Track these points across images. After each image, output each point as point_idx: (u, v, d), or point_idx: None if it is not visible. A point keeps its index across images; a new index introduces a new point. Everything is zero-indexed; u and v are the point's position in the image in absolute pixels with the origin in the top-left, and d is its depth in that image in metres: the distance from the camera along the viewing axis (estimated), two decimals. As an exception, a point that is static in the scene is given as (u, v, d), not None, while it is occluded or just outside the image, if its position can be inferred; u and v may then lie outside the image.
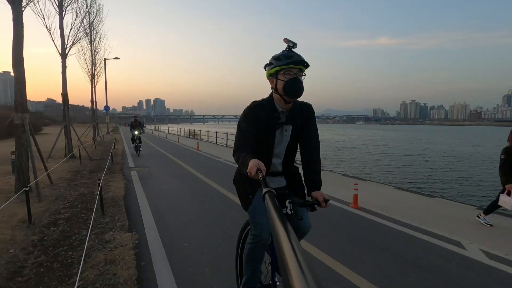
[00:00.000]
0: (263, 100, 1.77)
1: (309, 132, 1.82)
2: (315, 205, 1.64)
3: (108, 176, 7.46)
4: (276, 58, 1.65)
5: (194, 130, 29.91)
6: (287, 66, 1.60)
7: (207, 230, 3.90)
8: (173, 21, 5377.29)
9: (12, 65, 5.32)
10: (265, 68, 1.74)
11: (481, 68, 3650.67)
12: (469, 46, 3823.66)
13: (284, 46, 1.69)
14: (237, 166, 1.75)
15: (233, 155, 1.67)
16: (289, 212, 1.66)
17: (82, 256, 2.83)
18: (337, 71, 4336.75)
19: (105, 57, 23.29)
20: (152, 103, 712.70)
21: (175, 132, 31.99)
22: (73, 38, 11.10)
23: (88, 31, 16.04)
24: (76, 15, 11.38)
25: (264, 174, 1.28)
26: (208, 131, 22.87)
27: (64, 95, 10.45)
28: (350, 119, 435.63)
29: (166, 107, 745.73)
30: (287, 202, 1.68)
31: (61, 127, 10.68)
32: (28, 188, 4.07)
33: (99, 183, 4.51)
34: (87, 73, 18.80)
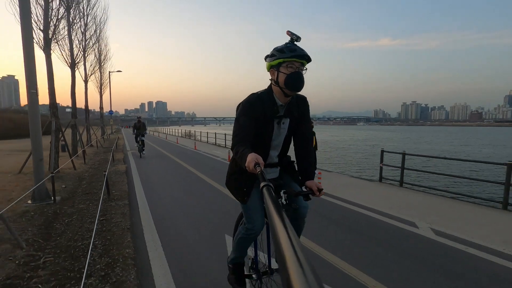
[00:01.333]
0: (262, 92, 1.76)
1: (304, 124, 1.86)
2: (309, 195, 1.69)
3: (114, 153, 13.53)
4: (279, 50, 1.63)
5: (185, 130, 34.69)
6: (290, 59, 1.60)
7: (158, 165, 9.93)
8: (174, 23, 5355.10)
9: (71, 95, 11.40)
10: (265, 59, 1.73)
11: (483, 68, 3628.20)
12: (471, 47, 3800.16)
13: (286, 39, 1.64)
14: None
15: (232, 148, 1.67)
16: (284, 202, 1.76)
17: (107, 168, 8.87)
18: (339, 72, 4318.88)
19: (109, 70, 29.63)
20: (154, 105, 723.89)
21: (168, 133, 38.26)
22: (92, 72, 17.28)
23: (102, 63, 22.29)
24: (95, 55, 17.53)
25: (262, 168, 1.30)
26: (188, 131, 28.97)
27: (86, 107, 16.61)
28: (351, 120, 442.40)
29: (168, 109, 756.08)
30: (281, 193, 1.76)
31: (84, 127, 16.83)
32: (84, 149, 10.17)
33: (111, 152, 10.59)
34: (97, 87, 24.99)
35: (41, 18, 7.16)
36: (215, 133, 20.65)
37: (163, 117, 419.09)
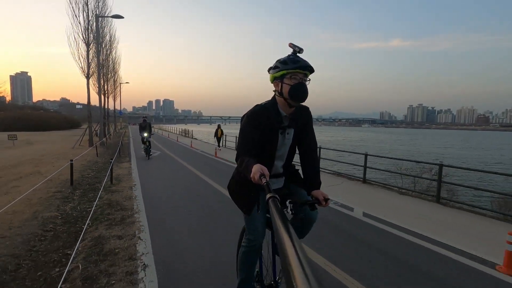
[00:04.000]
0: (266, 103, 1.82)
1: (308, 134, 1.91)
2: (316, 204, 1.71)
3: (123, 137, 25.92)
4: (282, 62, 1.70)
5: (185, 129, 44.13)
6: (294, 71, 1.67)
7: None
8: (182, 23, 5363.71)
9: (102, 108, 23.78)
10: (269, 71, 1.79)
11: (492, 71, 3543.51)
12: (482, 49, 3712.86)
13: (288, 51, 1.75)
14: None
15: (236, 159, 1.71)
16: (290, 212, 1.79)
17: (122, 135, 21.15)
18: (347, 73, 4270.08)
19: (120, 82, 42.22)
20: (161, 103, 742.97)
21: (170, 130, 47.59)
22: (112, 91, 29.65)
23: (116, 86, 34.86)
24: (113, 80, 29.92)
25: (268, 179, 1.31)
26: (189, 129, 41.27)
27: (109, 112, 28.94)
28: (356, 122, 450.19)
29: (175, 108, 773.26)
30: (287, 202, 1.79)
31: (109, 123, 29.31)
32: (109, 134, 22.60)
33: (122, 137, 22.88)
34: (112, 96, 37.48)
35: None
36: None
37: (170, 115, 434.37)
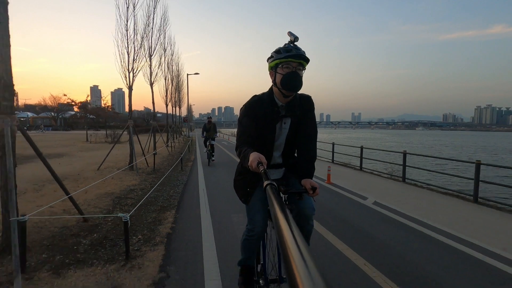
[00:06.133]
0: (263, 94, 1.75)
1: (307, 123, 1.79)
2: (303, 194, 1.60)
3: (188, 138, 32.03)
4: (276, 52, 1.62)
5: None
6: (286, 60, 1.58)
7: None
8: (239, 33, 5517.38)
9: (180, 117, 29.99)
10: (268, 61, 1.70)
11: None
12: None
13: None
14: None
15: (236, 149, 1.65)
16: (285, 203, 1.67)
17: (190, 139, 26.85)
18: (424, 70, 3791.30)
19: (191, 104, 49.63)
20: (222, 110, 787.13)
21: (227, 133, 55.25)
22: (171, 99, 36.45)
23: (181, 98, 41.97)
24: (176, 90, 36.66)
25: (265, 167, 1.27)
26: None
27: (172, 120, 35.69)
28: (413, 125, 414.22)
29: (235, 114, 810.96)
30: (281, 193, 1.66)
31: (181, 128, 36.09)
32: (182, 135, 28.74)
33: (191, 138, 28.82)
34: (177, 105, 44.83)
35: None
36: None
37: (229, 121, 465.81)
